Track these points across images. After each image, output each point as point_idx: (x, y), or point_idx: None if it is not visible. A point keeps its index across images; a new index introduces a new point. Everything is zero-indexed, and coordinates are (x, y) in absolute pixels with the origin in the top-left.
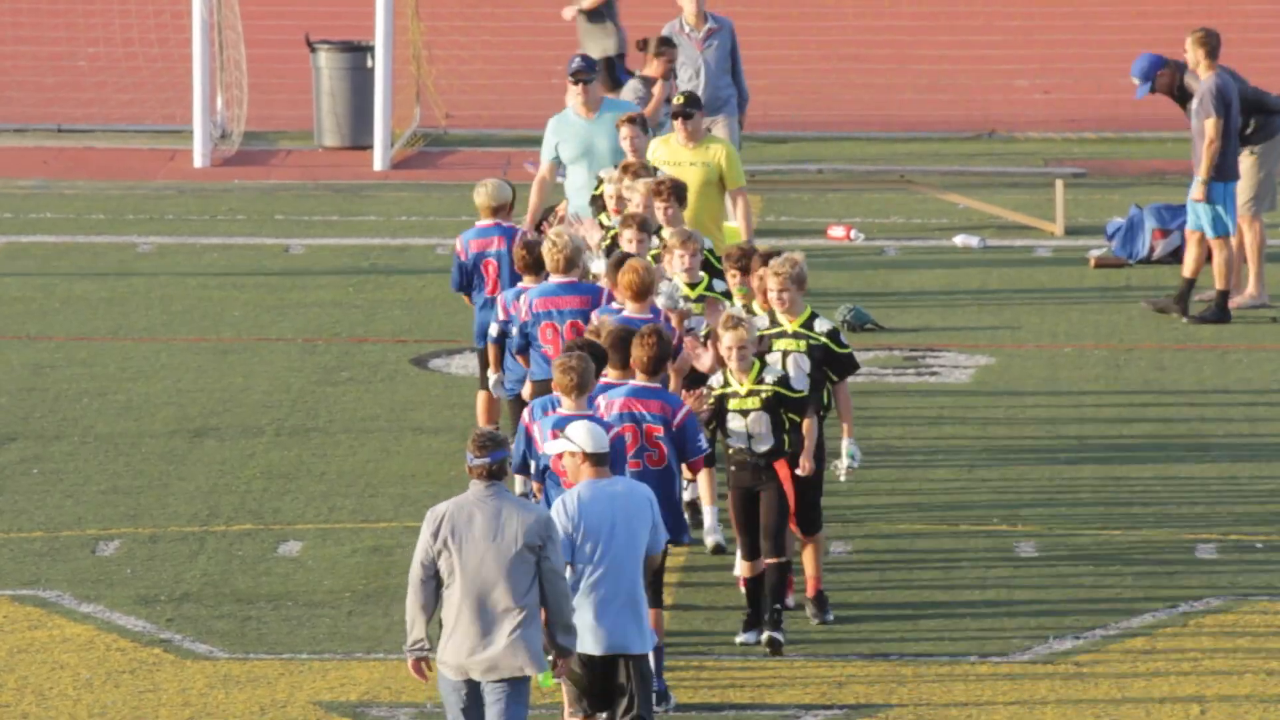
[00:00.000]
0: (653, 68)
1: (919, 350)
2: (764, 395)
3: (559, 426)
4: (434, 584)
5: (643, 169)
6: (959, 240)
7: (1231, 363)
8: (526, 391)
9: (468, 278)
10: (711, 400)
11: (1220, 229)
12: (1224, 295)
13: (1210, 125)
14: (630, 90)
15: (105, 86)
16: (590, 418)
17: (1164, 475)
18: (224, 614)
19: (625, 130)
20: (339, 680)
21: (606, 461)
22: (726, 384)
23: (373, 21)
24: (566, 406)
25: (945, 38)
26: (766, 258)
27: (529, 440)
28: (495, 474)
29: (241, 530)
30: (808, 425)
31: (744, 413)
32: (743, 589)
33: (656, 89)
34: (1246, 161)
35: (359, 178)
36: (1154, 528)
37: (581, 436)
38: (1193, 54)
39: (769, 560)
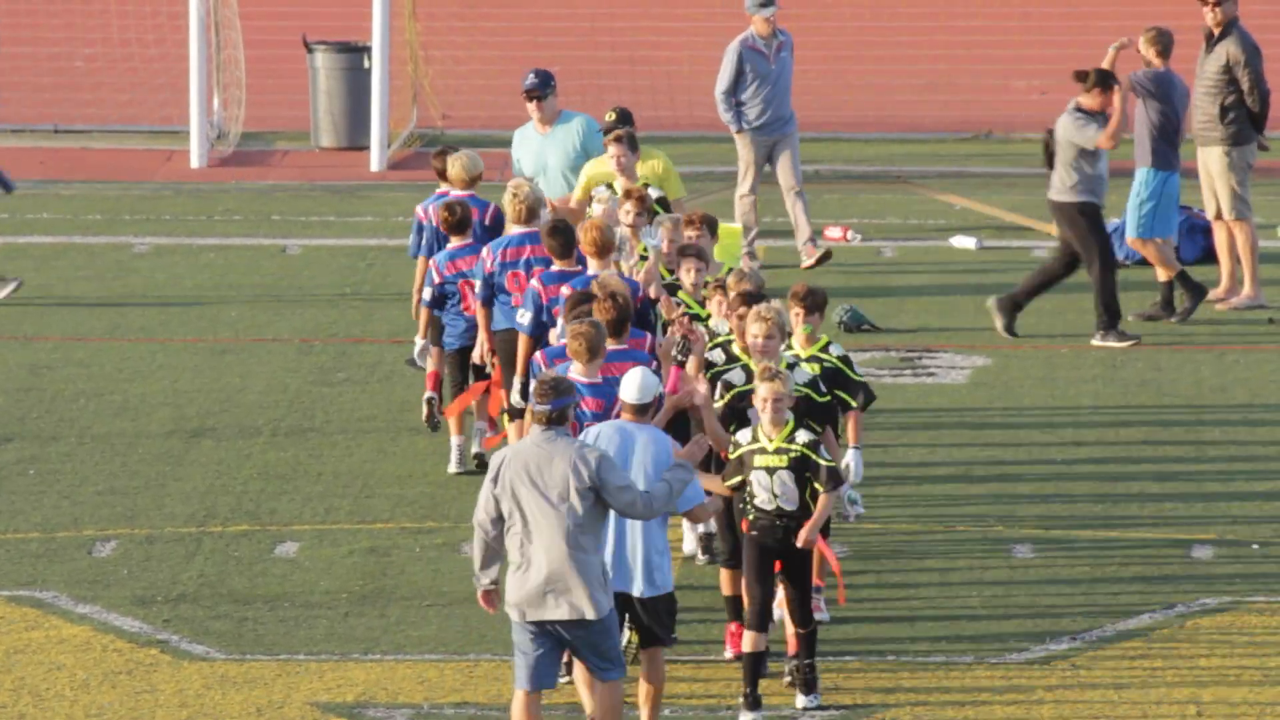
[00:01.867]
0: (1095, 100)
1: (916, 351)
2: (792, 455)
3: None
4: (499, 528)
5: (648, 197)
6: (956, 241)
7: (1229, 363)
8: (478, 350)
9: (429, 244)
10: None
11: (1148, 229)
12: (1182, 276)
13: (1143, 107)
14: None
15: (102, 87)
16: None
17: (1161, 476)
18: (221, 615)
19: (614, 149)
20: (336, 681)
21: (648, 413)
22: (755, 439)
23: (369, 22)
24: (576, 370)
25: (942, 38)
26: (750, 298)
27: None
28: (556, 420)
29: (238, 531)
30: (824, 500)
31: (770, 471)
32: (735, 661)
33: (1113, 122)
34: (1222, 162)
35: (356, 178)
36: (1150, 529)
37: (627, 387)
38: (1145, 52)
39: (800, 630)
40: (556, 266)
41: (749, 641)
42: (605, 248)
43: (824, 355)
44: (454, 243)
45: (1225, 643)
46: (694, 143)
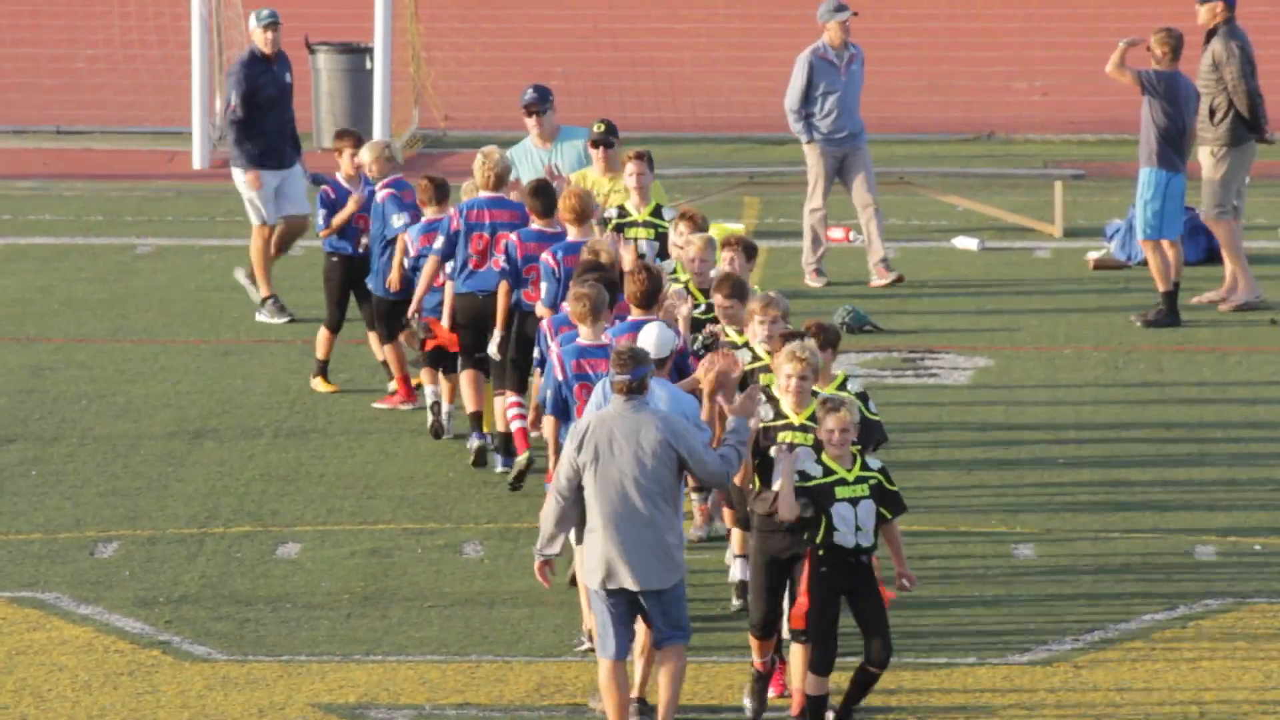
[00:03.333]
0: None
1: (918, 352)
2: (871, 483)
3: (581, 356)
4: (576, 495)
5: (703, 220)
6: (958, 242)
7: (1231, 364)
8: (445, 313)
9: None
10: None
11: (1155, 230)
12: (1170, 297)
13: (1149, 106)
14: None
15: (104, 88)
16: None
17: (1162, 477)
18: (222, 616)
19: (632, 166)
20: (337, 682)
21: (666, 367)
22: (829, 472)
23: (371, 23)
24: (584, 335)
25: (944, 40)
26: (787, 336)
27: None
28: (635, 389)
29: (240, 532)
30: (895, 531)
31: (854, 502)
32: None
33: None
34: (1209, 160)
35: None
36: (1152, 530)
37: (643, 341)
38: (1155, 51)
39: (875, 669)
40: (536, 226)
41: (815, 685)
42: (584, 215)
43: (843, 393)
44: (429, 214)
45: (1227, 643)
46: (696, 144)
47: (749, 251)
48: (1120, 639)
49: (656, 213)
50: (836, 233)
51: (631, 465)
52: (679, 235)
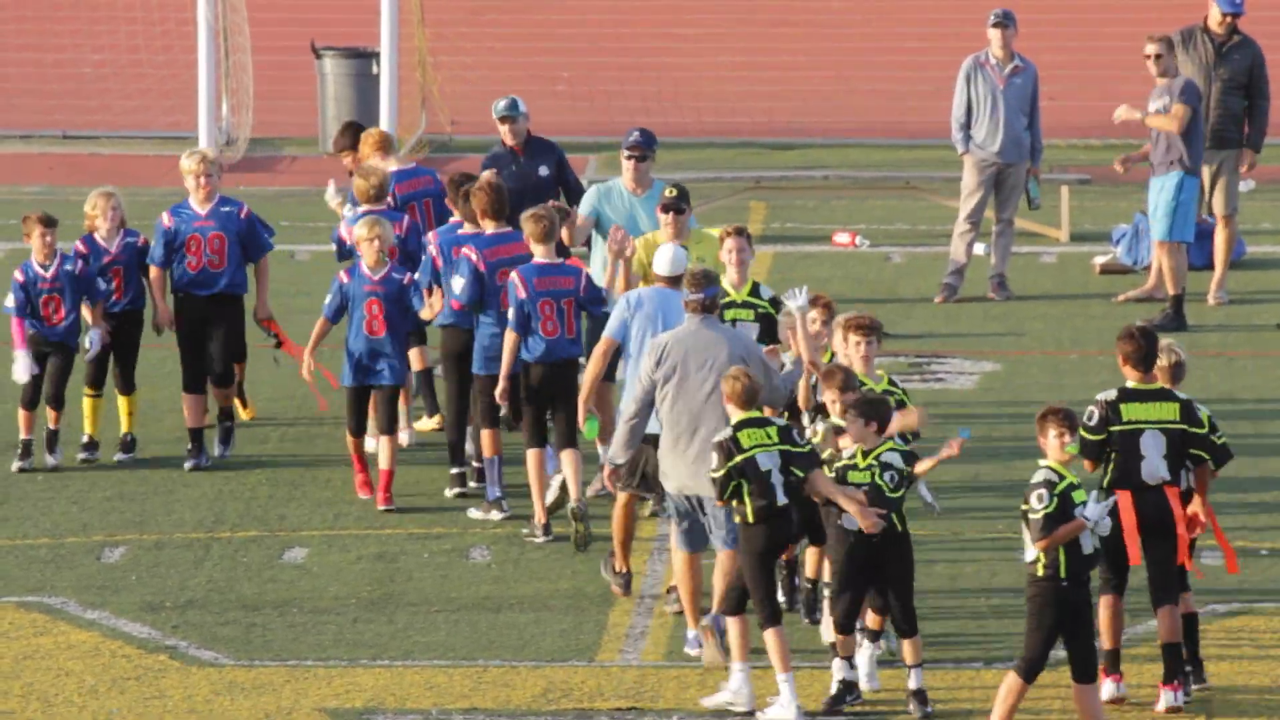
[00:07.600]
0: None
1: (924, 356)
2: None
3: (541, 275)
4: (650, 410)
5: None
6: None
7: (1237, 369)
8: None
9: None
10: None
11: (1181, 232)
12: (1178, 301)
13: (1180, 111)
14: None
15: (110, 93)
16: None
17: None
18: (229, 620)
19: (731, 243)
20: (344, 687)
21: (677, 285)
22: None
23: (378, 28)
24: (539, 254)
25: (950, 44)
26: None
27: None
28: (708, 307)
29: (247, 537)
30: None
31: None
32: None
33: None
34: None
35: None
36: None
37: (660, 262)
38: (1167, 57)
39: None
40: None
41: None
42: (386, 146)
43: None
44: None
45: (1233, 647)
46: (702, 149)
47: (879, 337)
48: (1126, 643)
49: (755, 291)
50: (843, 237)
51: (709, 379)
52: (811, 323)
